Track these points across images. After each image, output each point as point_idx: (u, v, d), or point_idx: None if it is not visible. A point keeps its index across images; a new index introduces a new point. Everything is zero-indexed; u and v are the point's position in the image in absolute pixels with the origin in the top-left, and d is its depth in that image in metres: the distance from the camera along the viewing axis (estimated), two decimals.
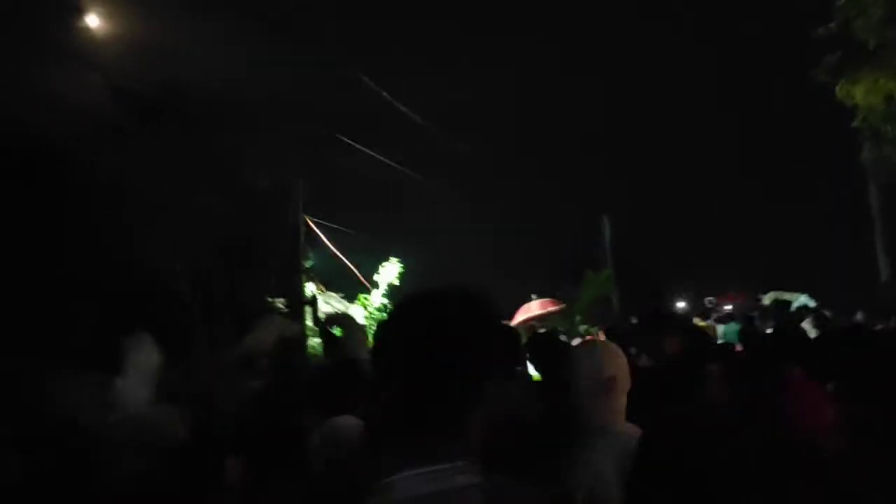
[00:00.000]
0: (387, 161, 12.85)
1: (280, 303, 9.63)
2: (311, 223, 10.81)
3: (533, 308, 11.42)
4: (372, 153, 12.33)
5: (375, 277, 10.82)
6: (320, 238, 11.15)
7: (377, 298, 10.67)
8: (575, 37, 18.73)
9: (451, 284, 1.31)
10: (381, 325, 1.30)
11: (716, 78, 20.69)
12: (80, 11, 11.11)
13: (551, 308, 11.51)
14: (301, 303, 9.79)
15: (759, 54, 19.48)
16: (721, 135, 21.53)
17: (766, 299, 12.63)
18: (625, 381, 2.19)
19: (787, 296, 11.89)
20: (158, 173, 9.95)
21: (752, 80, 20.06)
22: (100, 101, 10.45)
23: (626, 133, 21.74)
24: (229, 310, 8.92)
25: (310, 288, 10.33)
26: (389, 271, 10.85)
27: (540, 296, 12.16)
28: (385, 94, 13.27)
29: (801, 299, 11.40)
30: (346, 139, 11.50)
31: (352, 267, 11.24)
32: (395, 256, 11.20)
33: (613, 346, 2.27)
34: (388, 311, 11.02)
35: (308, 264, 10.50)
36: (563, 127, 20.20)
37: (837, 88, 12.10)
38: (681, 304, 20.04)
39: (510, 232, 18.36)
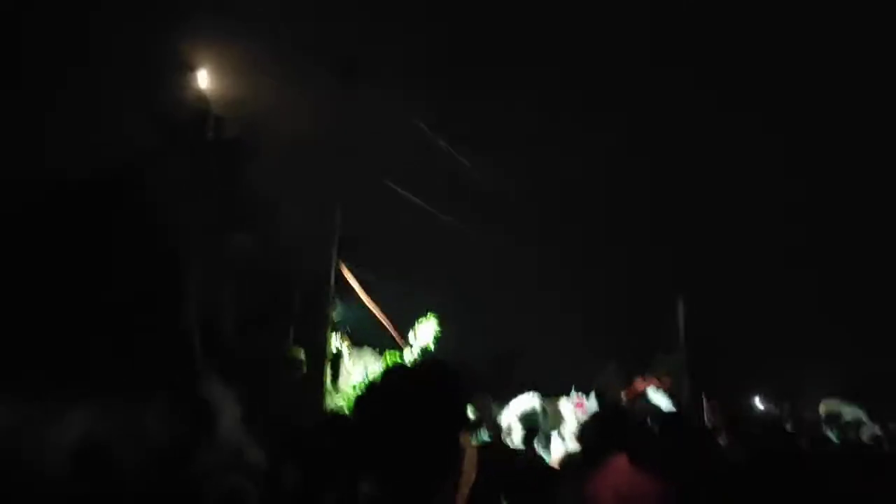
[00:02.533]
0: (440, 215, 12.21)
1: (300, 353, 8.91)
2: (346, 272, 10.14)
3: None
4: (424, 204, 11.73)
5: (410, 336, 9.99)
6: (355, 289, 10.46)
7: (408, 358, 9.82)
8: (650, 113, 17.87)
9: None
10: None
11: (808, 162, 19.26)
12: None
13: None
14: (322, 355, 9.05)
15: (847, 144, 18.14)
16: (808, 223, 19.87)
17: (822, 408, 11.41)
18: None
19: (845, 409, 10.50)
20: (196, 206, 9.65)
21: (846, 168, 18.59)
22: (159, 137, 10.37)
23: (708, 213, 20.42)
24: (241, 353, 8.30)
25: (336, 341, 9.60)
26: (426, 330, 10.01)
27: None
28: (450, 149, 12.77)
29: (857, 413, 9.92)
30: (394, 186, 10.93)
31: (386, 322, 10.45)
32: (437, 315, 10.39)
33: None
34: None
35: (337, 315, 9.80)
36: (638, 200, 19.15)
37: None
38: (757, 401, 18.24)
39: (574, 303, 17.21)
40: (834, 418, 8.52)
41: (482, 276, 14.01)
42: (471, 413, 7.93)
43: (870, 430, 7.83)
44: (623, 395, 8.81)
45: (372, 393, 1.44)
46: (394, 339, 10.29)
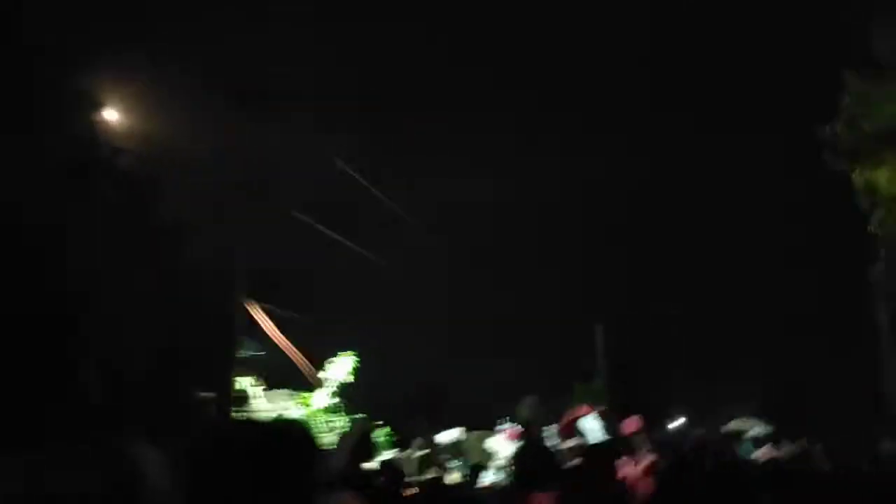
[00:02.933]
0: (358, 249, 11.85)
1: (209, 397, 8.34)
2: (256, 310, 9.62)
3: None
4: (342, 240, 11.35)
5: (321, 374, 9.51)
6: (269, 328, 9.94)
7: (322, 396, 9.35)
8: (570, 136, 18.12)
9: None
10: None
11: (720, 185, 19.83)
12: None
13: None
14: (229, 398, 8.47)
15: (765, 163, 18.84)
16: (723, 251, 20.44)
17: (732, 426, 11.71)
18: None
19: (755, 427, 10.80)
20: (97, 244, 8.99)
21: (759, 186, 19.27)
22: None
23: (625, 239, 20.78)
24: (147, 400, 7.65)
25: (247, 382, 9.03)
26: (340, 366, 9.57)
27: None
28: (361, 179, 12.45)
29: (756, 429, 10.21)
30: (310, 222, 10.54)
31: (302, 361, 9.95)
32: (356, 352, 9.99)
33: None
34: (335, 409, 9.79)
35: (246, 355, 9.24)
36: (556, 229, 19.30)
37: (855, 175, 11.02)
38: (676, 424, 18.49)
39: (490, 335, 17.05)
40: (744, 436, 8.72)
41: (404, 312, 13.71)
42: (421, 452, 7.59)
43: (779, 448, 7.98)
44: (554, 428, 8.62)
45: (212, 452, 1.40)
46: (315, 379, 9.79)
